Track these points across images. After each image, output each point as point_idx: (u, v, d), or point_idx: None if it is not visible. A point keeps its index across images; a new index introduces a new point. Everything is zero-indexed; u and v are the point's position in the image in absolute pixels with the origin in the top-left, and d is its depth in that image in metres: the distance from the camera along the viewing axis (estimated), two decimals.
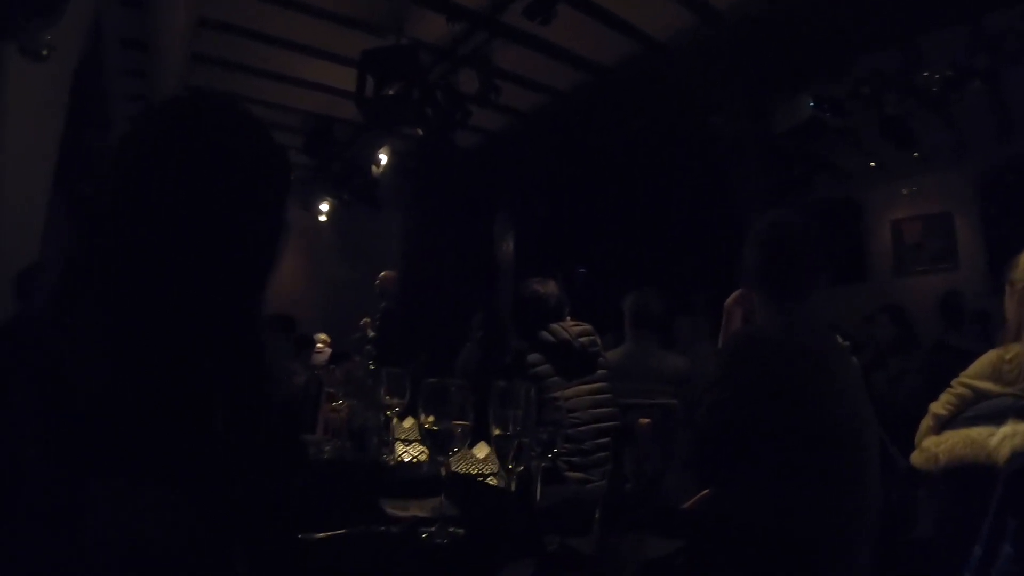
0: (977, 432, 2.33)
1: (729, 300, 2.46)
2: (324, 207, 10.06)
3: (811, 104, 6.14)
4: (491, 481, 2.13)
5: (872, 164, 8.74)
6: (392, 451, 2.30)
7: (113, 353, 0.99)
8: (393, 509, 1.58)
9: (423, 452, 2.31)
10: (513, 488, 1.50)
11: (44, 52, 2.68)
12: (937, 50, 5.95)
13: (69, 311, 1.05)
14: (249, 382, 1.18)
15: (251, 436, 1.14)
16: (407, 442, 2.40)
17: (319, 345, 7.32)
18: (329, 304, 9.55)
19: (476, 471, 2.18)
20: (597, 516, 1.22)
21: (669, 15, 5.90)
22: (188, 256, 1.09)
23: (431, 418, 1.45)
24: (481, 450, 2.24)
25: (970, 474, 2.28)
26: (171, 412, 1.00)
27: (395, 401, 2.17)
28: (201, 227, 1.10)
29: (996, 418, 2.34)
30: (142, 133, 1.19)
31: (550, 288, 3.44)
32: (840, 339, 2.20)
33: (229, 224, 1.14)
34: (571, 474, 3.09)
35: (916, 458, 2.54)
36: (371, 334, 7.56)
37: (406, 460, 2.34)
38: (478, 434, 1.83)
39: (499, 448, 1.47)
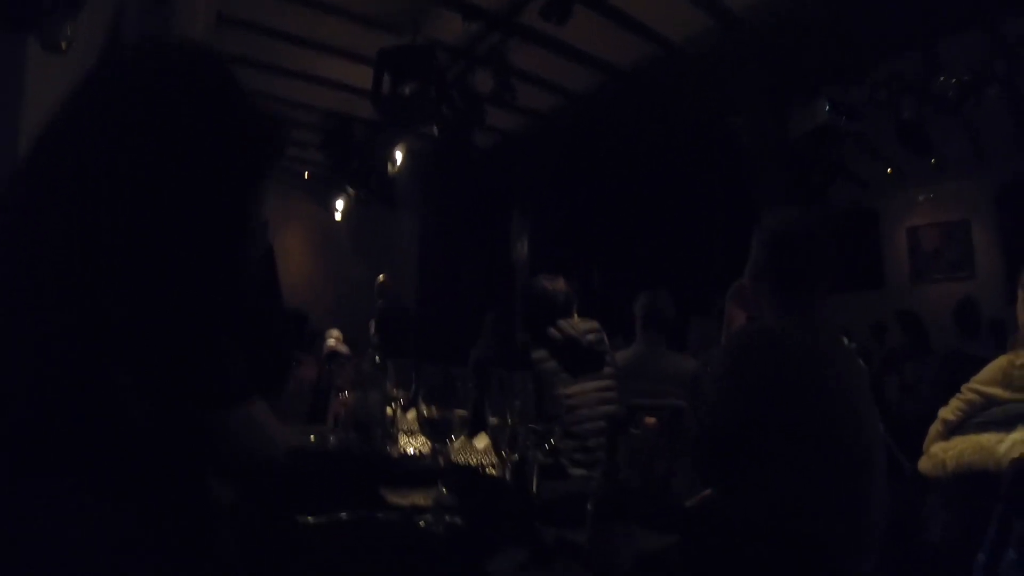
0: (986, 438, 2.31)
1: (729, 301, 2.42)
2: (340, 205, 10.11)
3: (827, 108, 6.11)
4: (490, 471, 2.14)
5: (888, 171, 8.67)
6: (396, 443, 2.31)
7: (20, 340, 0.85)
8: (395, 498, 1.58)
9: (426, 444, 2.31)
10: (508, 477, 1.50)
11: (63, 45, 2.69)
12: (955, 55, 5.91)
13: None
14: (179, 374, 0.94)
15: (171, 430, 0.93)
16: (411, 433, 2.40)
17: (331, 341, 7.39)
18: (344, 301, 9.59)
19: (476, 462, 2.19)
20: (590, 506, 1.23)
21: (686, 18, 5.89)
22: (124, 229, 0.91)
23: (432, 408, 1.46)
24: (481, 440, 2.25)
25: (978, 480, 2.27)
26: (79, 403, 0.84)
27: (400, 393, 2.18)
28: (140, 194, 0.93)
29: (1006, 424, 2.33)
30: (93, 83, 1.02)
31: (559, 285, 3.44)
32: (846, 340, 2.18)
33: (173, 194, 0.95)
34: (574, 471, 3.08)
35: (924, 464, 2.53)
36: (372, 331, 8.08)
37: (410, 452, 2.35)
38: (479, 425, 1.83)
39: (494, 436, 1.47)
